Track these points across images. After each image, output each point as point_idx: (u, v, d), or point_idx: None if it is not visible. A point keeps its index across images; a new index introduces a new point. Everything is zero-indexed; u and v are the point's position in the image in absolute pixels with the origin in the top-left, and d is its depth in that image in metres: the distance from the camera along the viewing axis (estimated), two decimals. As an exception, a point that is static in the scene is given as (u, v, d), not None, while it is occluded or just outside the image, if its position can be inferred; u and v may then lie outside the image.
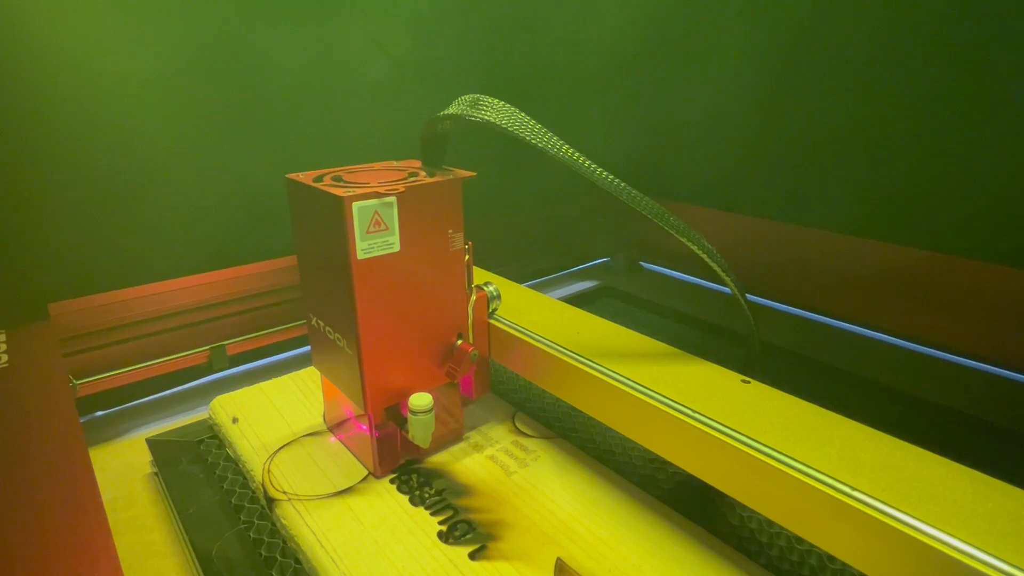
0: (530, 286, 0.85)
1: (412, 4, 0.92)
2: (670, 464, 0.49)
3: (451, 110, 0.52)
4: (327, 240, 0.51)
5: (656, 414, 0.47)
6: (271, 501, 0.53)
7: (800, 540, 0.50)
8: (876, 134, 0.88)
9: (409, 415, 0.54)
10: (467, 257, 0.56)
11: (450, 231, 0.54)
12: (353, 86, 0.89)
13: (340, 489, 0.54)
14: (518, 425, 0.64)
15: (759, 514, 0.47)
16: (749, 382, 0.50)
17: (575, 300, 1.10)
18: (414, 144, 0.57)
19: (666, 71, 1.15)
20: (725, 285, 0.55)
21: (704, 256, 0.52)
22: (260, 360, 0.88)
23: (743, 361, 0.59)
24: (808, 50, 0.93)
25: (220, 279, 0.81)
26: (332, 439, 0.61)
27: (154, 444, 0.65)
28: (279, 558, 0.50)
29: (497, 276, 0.72)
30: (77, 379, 0.72)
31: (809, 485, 0.38)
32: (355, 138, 0.90)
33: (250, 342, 0.84)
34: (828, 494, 0.37)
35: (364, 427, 0.56)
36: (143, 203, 0.75)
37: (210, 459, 0.63)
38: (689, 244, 0.52)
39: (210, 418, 0.67)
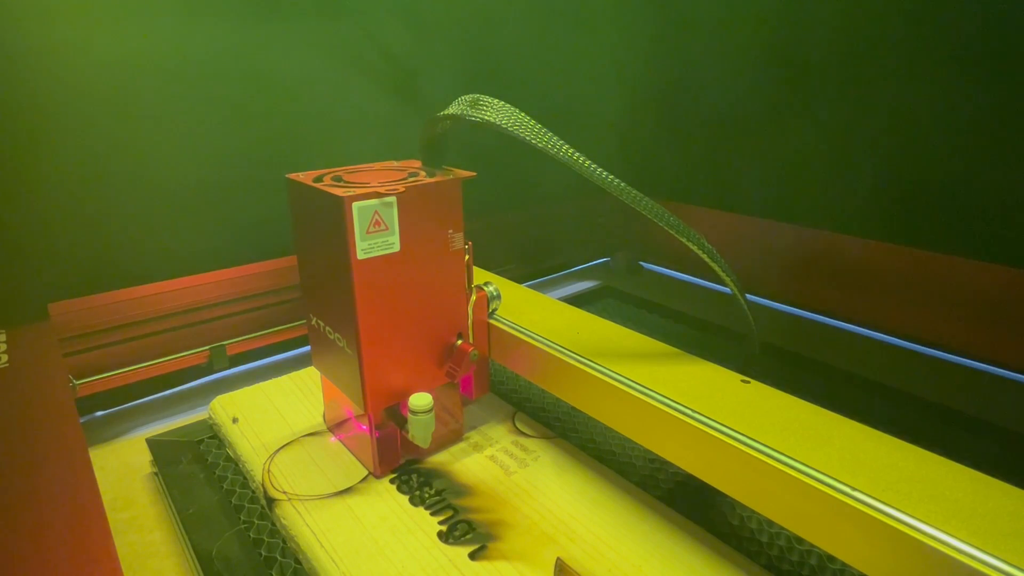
0: (530, 286, 0.85)
1: (413, 4, 0.92)
2: (670, 464, 0.49)
3: (451, 110, 0.52)
4: (327, 240, 0.51)
5: (656, 414, 0.47)
6: (271, 501, 0.53)
7: (800, 540, 0.50)
8: (876, 134, 0.88)
9: (409, 415, 0.54)
10: (467, 257, 0.56)
11: (450, 231, 0.54)
12: (354, 86, 0.89)
13: (340, 489, 0.54)
14: (518, 425, 0.64)
15: (759, 514, 0.47)
16: (749, 382, 0.50)
17: (575, 300, 1.10)
18: (414, 144, 0.57)
19: (667, 70, 1.15)
20: (725, 285, 0.55)
21: (704, 256, 0.52)
22: (260, 360, 0.88)
23: (743, 361, 0.59)
24: (809, 49, 0.93)
25: (220, 279, 0.81)
26: (332, 439, 0.61)
27: (154, 444, 0.65)
28: (279, 558, 0.50)
29: (497, 276, 0.72)
30: (77, 379, 0.72)
31: (809, 485, 0.38)
32: (355, 138, 0.90)
33: (250, 342, 0.84)
34: (828, 494, 0.37)
35: (364, 427, 0.56)
36: (144, 203, 0.75)
37: (210, 459, 0.63)
38: (689, 244, 0.52)
39: (210, 418, 0.67)
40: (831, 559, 0.49)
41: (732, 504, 0.54)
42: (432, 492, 0.54)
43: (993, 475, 0.38)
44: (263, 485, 0.55)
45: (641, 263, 1.27)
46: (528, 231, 1.18)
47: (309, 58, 0.84)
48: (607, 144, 1.21)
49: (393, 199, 0.49)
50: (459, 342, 0.58)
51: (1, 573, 0.38)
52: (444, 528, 0.49)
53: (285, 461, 0.58)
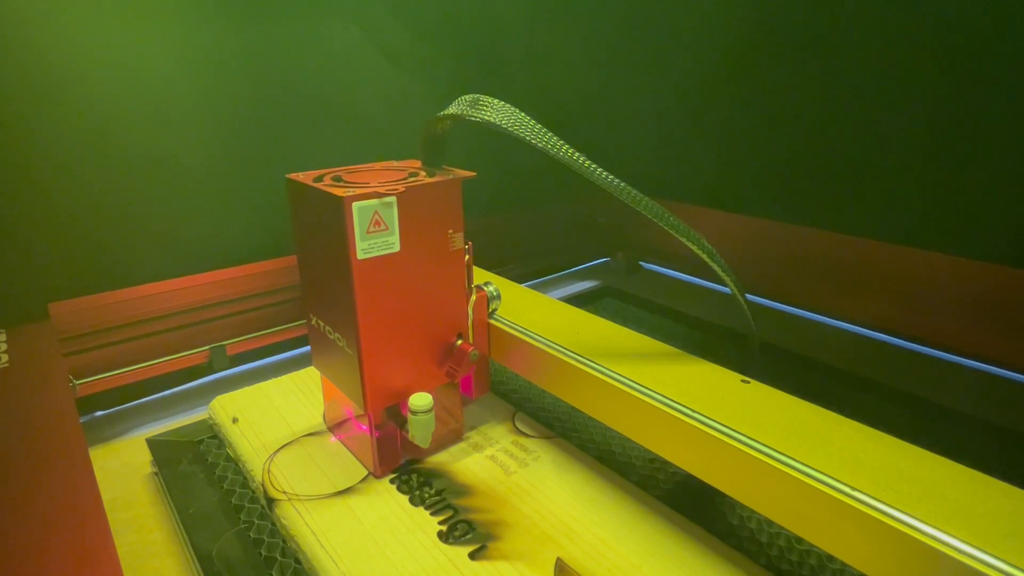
0: (530, 286, 0.85)
1: (412, 4, 0.92)
2: (670, 464, 0.49)
3: (451, 110, 0.52)
4: (327, 240, 0.51)
5: (656, 414, 0.47)
6: (271, 501, 0.53)
7: (800, 540, 0.50)
8: (876, 134, 0.88)
9: (409, 415, 0.54)
10: (467, 257, 0.56)
11: (450, 231, 0.54)
12: (353, 86, 0.89)
13: (340, 489, 0.54)
14: (518, 425, 0.64)
15: (759, 514, 0.47)
16: (749, 382, 0.50)
17: (575, 300, 1.10)
18: (414, 144, 0.57)
19: (666, 72, 1.15)
20: (725, 285, 0.55)
21: (704, 256, 0.52)
22: (260, 360, 0.88)
23: (743, 361, 0.59)
24: (810, 50, 0.93)
25: (220, 279, 0.81)
26: (332, 439, 0.61)
27: (154, 444, 0.65)
28: (279, 558, 0.50)
29: (497, 276, 0.72)
30: (77, 379, 0.72)
31: (809, 485, 0.38)
32: (355, 138, 0.90)
33: (250, 342, 0.84)
34: (828, 494, 0.37)
35: (364, 427, 0.56)
36: (143, 203, 0.75)
37: (210, 459, 0.63)
38: (689, 244, 0.52)
39: (210, 418, 0.67)
40: (831, 559, 0.49)
41: (732, 504, 0.54)
42: (432, 492, 0.54)
43: (993, 475, 0.38)
44: (263, 485, 0.55)
45: (641, 263, 1.27)
46: (528, 231, 1.18)
47: (309, 59, 0.84)
48: (608, 144, 1.21)
49: (393, 199, 0.49)
50: (459, 342, 0.58)
51: (1, 573, 0.38)
52: (444, 528, 0.49)
53: (285, 461, 0.58)
